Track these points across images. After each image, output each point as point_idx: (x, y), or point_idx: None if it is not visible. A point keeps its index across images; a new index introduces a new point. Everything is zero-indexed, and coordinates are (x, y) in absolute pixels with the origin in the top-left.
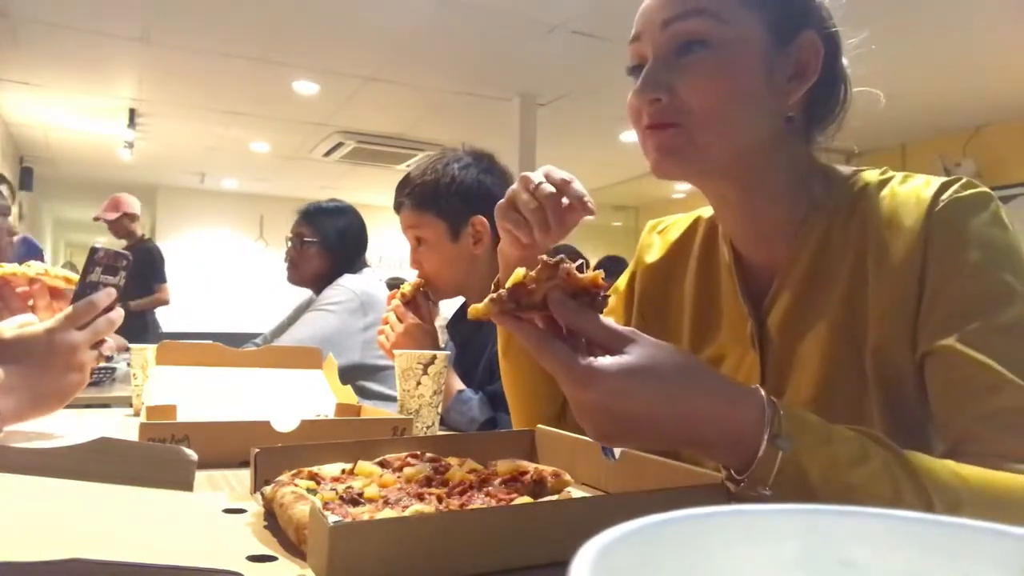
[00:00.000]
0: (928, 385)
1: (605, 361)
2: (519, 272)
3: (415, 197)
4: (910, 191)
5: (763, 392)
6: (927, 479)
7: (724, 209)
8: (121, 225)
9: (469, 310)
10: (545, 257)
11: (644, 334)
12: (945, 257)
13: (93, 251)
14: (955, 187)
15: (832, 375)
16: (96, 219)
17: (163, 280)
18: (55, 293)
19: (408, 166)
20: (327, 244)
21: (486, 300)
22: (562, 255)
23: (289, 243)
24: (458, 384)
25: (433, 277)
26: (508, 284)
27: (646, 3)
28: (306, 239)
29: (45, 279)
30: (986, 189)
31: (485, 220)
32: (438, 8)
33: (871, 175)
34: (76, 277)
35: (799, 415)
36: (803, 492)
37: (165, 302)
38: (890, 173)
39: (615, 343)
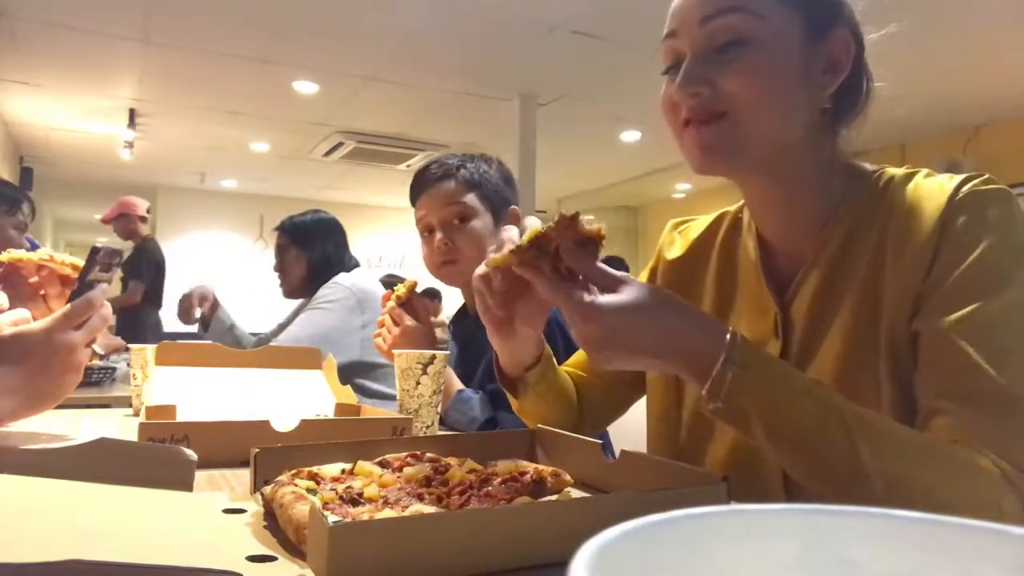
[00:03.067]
0: (917, 361)
1: (604, 299)
2: (536, 227)
3: (466, 174)
4: (934, 183)
5: (732, 328)
6: (858, 418)
7: (759, 202)
8: (121, 226)
9: (491, 260)
10: (564, 212)
11: (635, 280)
12: (956, 243)
13: (94, 251)
14: (976, 180)
15: (851, 357)
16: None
17: (139, 279)
18: (65, 281)
19: (408, 166)
20: (299, 243)
21: (506, 252)
22: (577, 211)
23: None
24: (457, 384)
25: (466, 257)
26: (527, 237)
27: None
28: (281, 248)
29: (52, 265)
30: (1005, 186)
31: (519, 212)
32: (438, 8)
33: (896, 171)
34: (83, 264)
35: (757, 350)
36: (749, 410)
37: (133, 301)
38: (915, 169)
39: (612, 284)
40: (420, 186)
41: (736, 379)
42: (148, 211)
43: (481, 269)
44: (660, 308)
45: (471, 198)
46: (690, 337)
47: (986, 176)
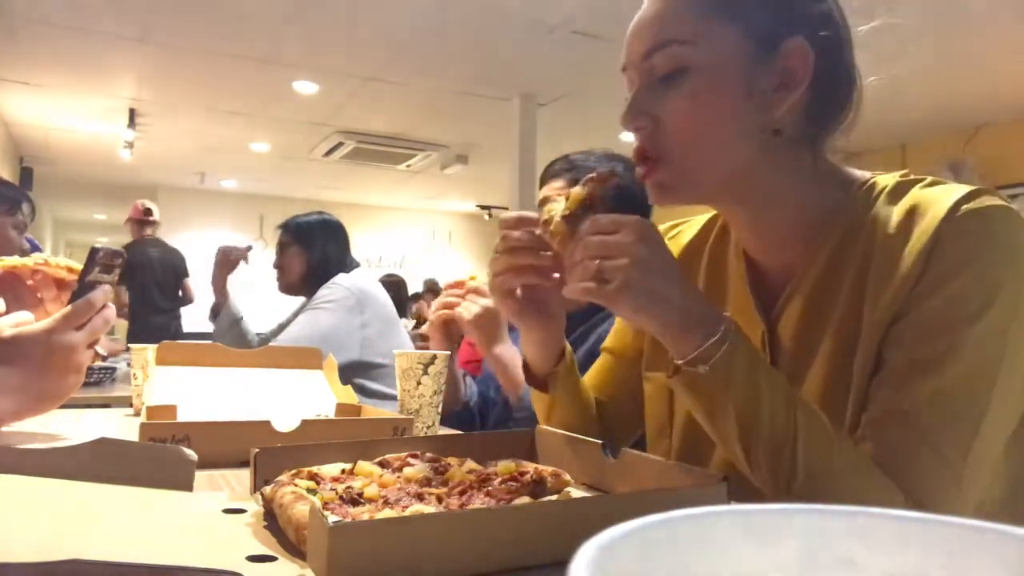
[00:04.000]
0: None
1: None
2: (576, 192)
3: (576, 177)
4: (931, 196)
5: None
6: (812, 422)
7: (731, 221)
8: (129, 227)
9: (552, 234)
10: (598, 172)
11: None
12: (942, 267)
13: (94, 251)
14: (976, 202)
15: (834, 382)
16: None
17: (122, 285)
18: (61, 284)
19: (408, 166)
20: (300, 241)
21: (558, 221)
22: (606, 169)
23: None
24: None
25: None
26: (571, 206)
27: (629, 32)
28: (283, 244)
29: (46, 269)
30: (1009, 205)
31: None
32: (438, 8)
33: (888, 179)
34: (79, 267)
35: (747, 337)
36: (732, 381)
37: (120, 305)
38: (912, 177)
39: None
40: (542, 175)
41: (728, 352)
42: (147, 213)
43: (502, 266)
44: (676, 265)
45: None
46: (695, 300)
47: (987, 195)
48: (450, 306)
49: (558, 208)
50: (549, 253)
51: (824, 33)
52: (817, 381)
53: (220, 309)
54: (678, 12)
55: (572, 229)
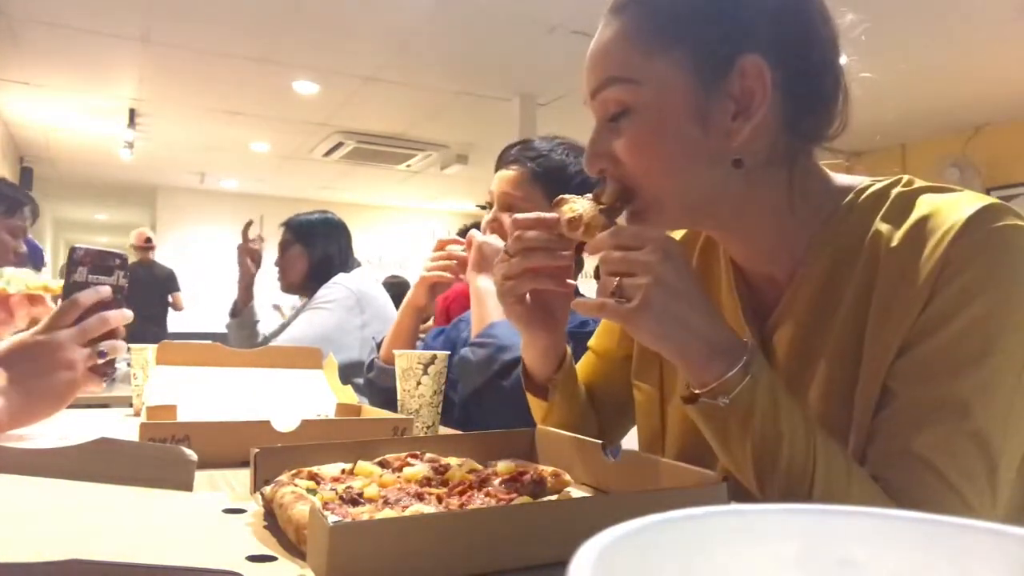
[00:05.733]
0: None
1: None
2: (613, 187)
3: (538, 167)
4: (940, 211)
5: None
6: (830, 456)
7: (715, 236)
8: (136, 253)
9: (589, 228)
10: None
11: None
12: (953, 293)
13: (72, 251)
14: (993, 218)
15: (832, 404)
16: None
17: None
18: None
19: (408, 166)
20: (301, 241)
21: (595, 215)
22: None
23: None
24: (495, 316)
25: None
26: (608, 199)
27: (585, 63)
28: (285, 243)
29: (37, 291)
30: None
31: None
32: (438, 8)
33: (889, 187)
34: (57, 286)
35: (770, 369)
36: (750, 414)
37: None
38: (916, 184)
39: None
40: (498, 159)
41: (750, 386)
42: (147, 241)
43: (516, 269)
44: (700, 288)
45: (535, 192)
46: (718, 326)
47: (1007, 213)
48: (444, 268)
49: (581, 207)
50: (567, 253)
51: (788, 42)
52: (814, 404)
53: (242, 309)
54: (620, 46)
55: (611, 222)
